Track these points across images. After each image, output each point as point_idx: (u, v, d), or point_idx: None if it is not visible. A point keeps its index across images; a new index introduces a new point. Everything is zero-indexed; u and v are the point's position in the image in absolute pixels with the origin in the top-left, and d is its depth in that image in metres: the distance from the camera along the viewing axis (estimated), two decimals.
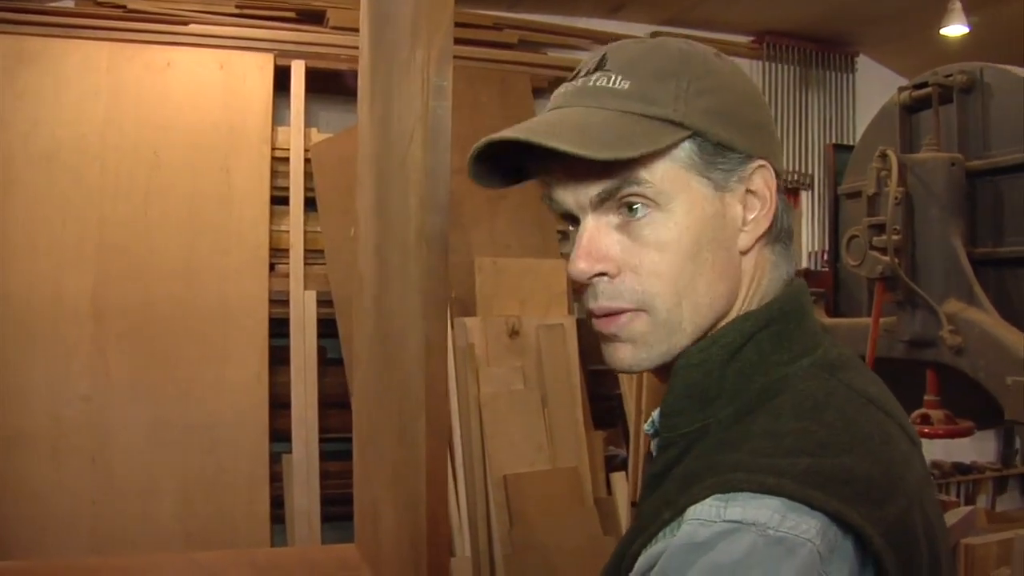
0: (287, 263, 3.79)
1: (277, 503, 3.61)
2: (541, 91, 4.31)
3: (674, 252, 0.74)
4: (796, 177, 4.99)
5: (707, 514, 0.63)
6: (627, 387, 3.66)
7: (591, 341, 3.62)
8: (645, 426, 0.85)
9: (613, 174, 0.74)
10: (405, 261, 1.48)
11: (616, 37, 4.46)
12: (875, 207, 2.56)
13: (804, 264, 4.79)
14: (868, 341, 2.53)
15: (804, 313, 0.79)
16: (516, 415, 3.49)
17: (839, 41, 5.07)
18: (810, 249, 4.97)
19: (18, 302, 3.37)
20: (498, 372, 3.52)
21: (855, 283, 2.90)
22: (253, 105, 3.76)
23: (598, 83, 0.76)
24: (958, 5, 3.85)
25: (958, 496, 4.34)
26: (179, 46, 3.72)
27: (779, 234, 0.81)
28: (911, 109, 2.77)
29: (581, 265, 0.75)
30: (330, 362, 3.84)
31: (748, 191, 0.77)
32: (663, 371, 0.79)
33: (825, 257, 4.21)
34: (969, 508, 2.54)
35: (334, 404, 3.74)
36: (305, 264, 3.80)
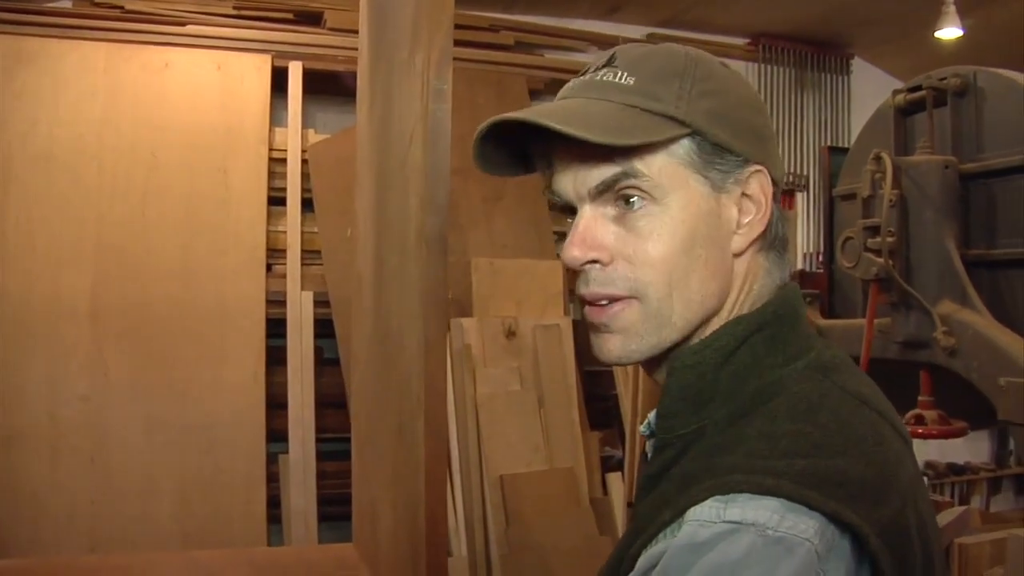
0: (284, 263, 3.79)
1: (274, 503, 3.61)
2: (537, 93, 4.32)
3: (668, 244, 0.75)
4: (791, 179, 5.01)
5: (707, 515, 0.64)
6: (623, 388, 3.67)
7: (587, 342, 3.62)
8: (641, 428, 0.86)
9: (613, 164, 0.75)
10: (404, 261, 1.49)
11: (612, 39, 4.52)
12: (870, 209, 2.58)
13: (799, 265, 4.81)
14: (863, 342, 2.55)
15: (797, 316, 0.80)
16: (512, 415, 3.50)
17: (834, 43, 5.08)
18: (805, 250, 4.99)
19: (16, 302, 3.37)
20: (495, 373, 3.53)
21: (850, 284, 2.92)
22: (250, 106, 3.76)
23: (604, 78, 0.78)
24: (952, 8, 3.86)
25: (952, 497, 4.36)
26: (177, 47, 3.72)
27: (773, 241, 0.82)
28: (905, 112, 2.78)
29: (575, 252, 0.76)
30: (327, 362, 3.85)
31: (744, 194, 0.78)
32: (651, 366, 0.81)
33: (820, 258, 4.22)
34: (963, 508, 2.56)
35: (331, 404, 3.75)
36: (302, 265, 3.80)
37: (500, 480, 3.40)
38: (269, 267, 3.76)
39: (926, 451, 4.35)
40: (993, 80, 2.55)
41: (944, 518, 2.33)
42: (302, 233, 3.81)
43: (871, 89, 4.71)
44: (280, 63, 3.85)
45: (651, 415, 0.82)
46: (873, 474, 0.68)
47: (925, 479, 3.27)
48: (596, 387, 3.97)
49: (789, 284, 0.82)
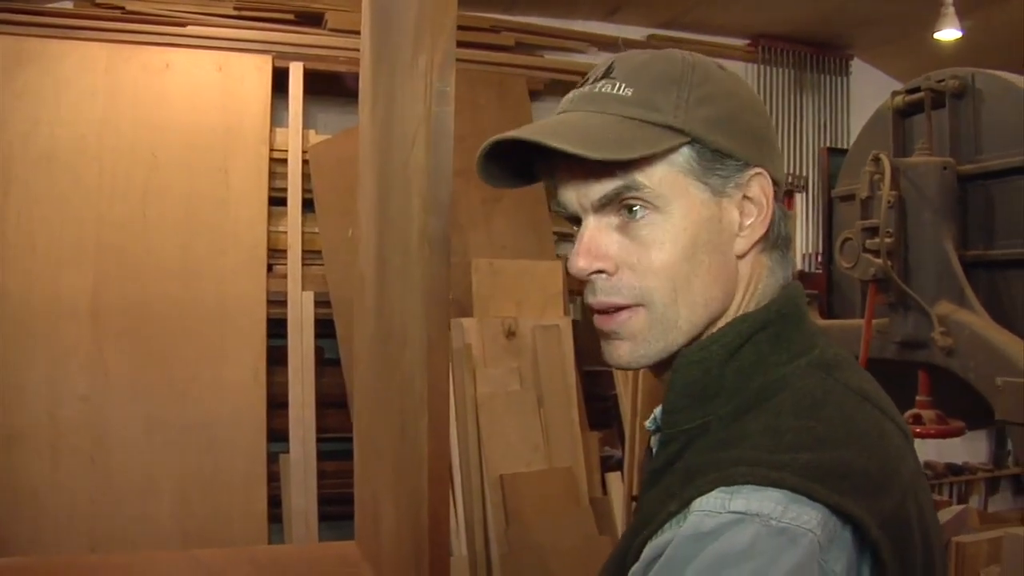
0: (285, 264, 3.80)
1: (274, 502, 3.62)
2: (538, 94, 4.33)
3: (671, 252, 0.77)
4: (791, 180, 5.02)
5: (713, 505, 0.65)
6: (623, 388, 3.68)
7: (587, 342, 3.64)
8: (647, 423, 0.87)
9: (614, 178, 0.77)
10: (407, 262, 1.49)
11: (612, 40, 4.53)
12: (868, 210, 2.58)
13: (799, 266, 4.82)
14: (861, 342, 2.56)
15: (801, 315, 0.82)
16: (512, 415, 3.51)
17: (833, 44, 5.10)
18: (804, 251, 5.00)
19: (16, 301, 3.38)
20: (494, 373, 3.54)
21: (848, 285, 2.93)
22: (251, 106, 3.77)
23: (603, 89, 0.79)
24: (952, 10, 3.87)
25: (951, 497, 4.37)
26: (177, 47, 3.73)
27: (776, 240, 0.83)
28: (904, 113, 2.79)
29: (580, 263, 0.78)
30: (327, 362, 3.86)
31: (745, 197, 0.80)
32: (660, 369, 0.82)
33: (819, 259, 4.23)
34: (961, 507, 2.57)
35: (331, 404, 3.76)
36: (303, 265, 3.81)
37: (500, 480, 3.41)
38: (270, 267, 3.77)
39: (924, 451, 4.34)
40: (991, 82, 2.56)
41: (942, 517, 2.34)
42: (303, 233, 3.82)
43: (870, 90, 4.72)
44: (281, 64, 3.86)
45: (657, 411, 0.84)
46: (875, 467, 0.69)
47: None
48: (595, 387, 3.98)
49: (793, 283, 0.84)
